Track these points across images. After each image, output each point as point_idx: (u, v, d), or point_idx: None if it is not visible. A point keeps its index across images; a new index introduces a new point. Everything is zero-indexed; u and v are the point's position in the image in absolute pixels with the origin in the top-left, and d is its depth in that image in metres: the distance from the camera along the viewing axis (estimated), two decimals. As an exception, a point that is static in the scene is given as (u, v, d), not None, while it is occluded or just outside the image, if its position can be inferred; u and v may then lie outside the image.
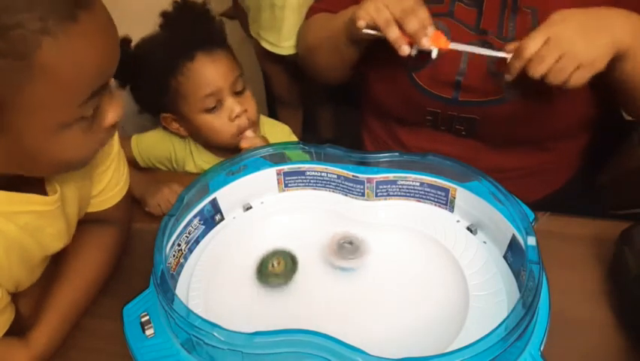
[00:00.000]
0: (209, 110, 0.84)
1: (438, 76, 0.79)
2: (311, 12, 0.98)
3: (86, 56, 0.44)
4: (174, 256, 0.60)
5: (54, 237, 0.59)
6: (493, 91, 0.77)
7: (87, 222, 0.65)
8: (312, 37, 0.95)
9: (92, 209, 0.66)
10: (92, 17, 0.44)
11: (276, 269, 0.61)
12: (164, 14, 0.83)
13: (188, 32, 0.82)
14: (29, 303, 0.61)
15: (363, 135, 0.99)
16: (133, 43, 0.82)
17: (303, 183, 0.70)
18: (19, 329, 0.58)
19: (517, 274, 0.56)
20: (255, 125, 0.88)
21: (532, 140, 0.83)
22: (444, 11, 0.80)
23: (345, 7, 0.88)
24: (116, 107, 0.51)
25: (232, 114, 0.84)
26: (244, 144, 0.85)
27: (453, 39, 0.76)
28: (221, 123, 0.85)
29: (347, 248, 0.62)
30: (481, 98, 0.78)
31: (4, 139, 0.45)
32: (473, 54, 0.74)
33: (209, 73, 0.82)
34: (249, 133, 0.87)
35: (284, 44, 1.10)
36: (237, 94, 0.86)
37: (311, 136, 1.47)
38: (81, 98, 0.46)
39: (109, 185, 0.66)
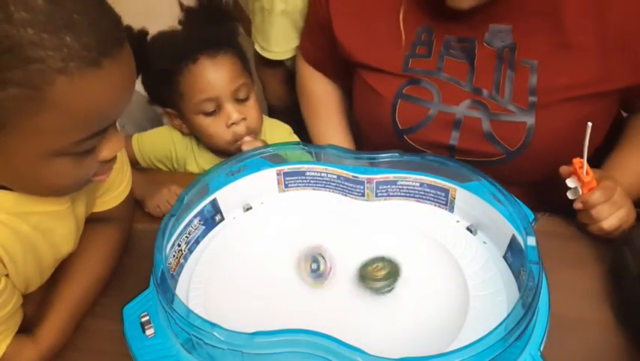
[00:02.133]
0: (207, 114, 0.83)
1: (431, 139, 0.75)
2: (300, 48, 0.98)
3: (97, 101, 0.45)
4: (174, 256, 0.60)
5: (64, 238, 0.60)
6: (489, 153, 0.73)
7: (90, 222, 0.65)
8: (302, 109, 1.00)
9: (96, 209, 0.66)
10: (115, 66, 0.45)
11: (379, 274, 0.59)
12: (187, 10, 0.82)
13: (200, 32, 0.82)
14: (32, 303, 0.61)
15: (362, 147, 0.98)
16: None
17: (303, 183, 0.70)
18: (23, 328, 0.58)
19: (517, 274, 0.56)
20: (254, 132, 0.87)
21: (530, 186, 0.79)
22: (432, 68, 0.75)
23: (326, 54, 0.88)
24: (113, 144, 0.51)
25: (228, 121, 0.83)
26: (245, 147, 0.84)
27: (444, 100, 0.73)
28: (216, 129, 0.84)
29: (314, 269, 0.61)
30: (478, 159, 0.74)
31: None
32: (467, 117, 0.72)
33: (209, 78, 0.81)
34: (247, 137, 0.86)
35: (272, 49, 1.10)
36: (239, 101, 0.84)
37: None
38: (80, 136, 0.46)
39: (113, 185, 0.66)
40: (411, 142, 0.77)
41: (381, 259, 0.61)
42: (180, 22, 0.83)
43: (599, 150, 0.81)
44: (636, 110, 0.79)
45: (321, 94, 0.96)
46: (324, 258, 0.60)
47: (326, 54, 0.89)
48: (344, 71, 0.87)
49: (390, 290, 0.59)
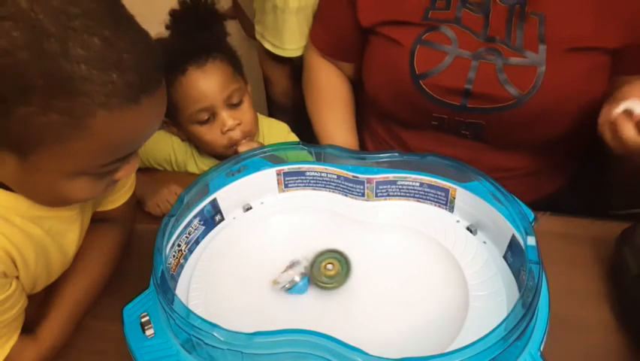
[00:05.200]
0: (202, 123, 0.83)
1: (446, 84, 0.78)
2: (311, 37, 0.98)
3: (130, 132, 0.48)
4: (174, 256, 0.60)
5: (73, 242, 0.61)
6: (502, 97, 0.76)
7: (92, 222, 0.66)
8: (307, 101, 1.00)
9: (99, 208, 0.67)
10: (151, 102, 0.47)
11: (330, 272, 0.60)
12: (173, 13, 0.81)
13: (187, 41, 0.81)
14: (33, 303, 0.61)
15: (364, 136, 0.99)
16: None
17: (303, 183, 0.70)
18: (24, 327, 0.58)
19: (516, 274, 0.56)
20: (250, 135, 0.87)
21: (538, 142, 0.83)
22: (450, 18, 0.79)
23: (343, 32, 0.89)
24: (131, 166, 0.54)
25: (224, 128, 0.83)
26: (242, 149, 0.84)
27: (461, 46, 0.77)
28: (212, 136, 0.84)
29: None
30: (490, 105, 0.77)
31: (22, 167, 0.48)
32: (482, 63, 0.75)
33: (200, 89, 0.80)
34: (243, 140, 0.86)
35: (286, 47, 1.10)
36: (233, 106, 0.84)
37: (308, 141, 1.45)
38: (107, 160, 0.49)
39: (117, 185, 0.66)
40: (426, 88, 0.79)
41: (334, 254, 0.62)
42: (167, 27, 0.82)
43: (600, 150, 0.82)
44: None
45: (328, 85, 0.97)
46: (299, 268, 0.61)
47: (340, 34, 0.91)
48: (357, 51, 0.90)
49: (337, 287, 0.60)
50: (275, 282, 0.60)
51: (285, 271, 0.61)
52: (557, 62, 0.74)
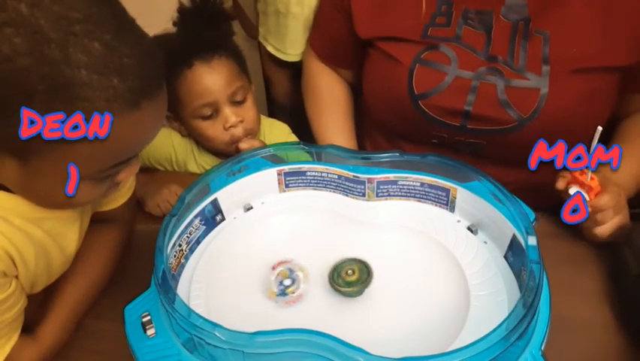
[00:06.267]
0: (205, 118, 0.84)
1: (446, 105, 0.76)
2: (310, 42, 0.98)
3: (131, 137, 0.48)
4: (175, 256, 0.60)
5: (73, 242, 0.61)
6: (503, 120, 0.74)
7: (92, 223, 0.66)
8: (307, 106, 1.00)
9: (99, 208, 0.67)
10: (152, 106, 0.47)
11: (350, 278, 0.59)
12: (181, 11, 0.81)
13: (194, 37, 0.81)
14: (33, 302, 0.61)
15: (365, 144, 0.98)
16: None
17: (303, 183, 0.70)
18: (24, 327, 0.58)
19: (517, 274, 0.56)
20: (252, 133, 0.87)
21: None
22: (451, 36, 0.77)
23: (339, 40, 0.89)
24: (131, 169, 0.54)
25: (226, 124, 0.84)
26: (243, 146, 0.85)
27: (461, 65, 0.75)
28: (214, 131, 0.84)
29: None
30: (490, 127, 0.76)
31: (23, 171, 0.48)
32: (482, 83, 0.74)
33: (205, 83, 0.81)
34: (245, 137, 0.86)
35: (288, 52, 1.10)
36: (236, 103, 0.84)
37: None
38: (109, 164, 0.49)
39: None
40: (425, 108, 0.77)
41: (354, 262, 0.61)
42: (175, 24, 0.82)
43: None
44: (631, 108, 0.80)
45: (327, 90, 0.97)
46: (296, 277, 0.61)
47: (337, 41, 0.90)
48: (353, 58, 0.89)
49: (360, 294, 0.59)
50: (272, 293, 0.60)
51: (276, 277, 0.61)
52: (560, 84, 0.72)
